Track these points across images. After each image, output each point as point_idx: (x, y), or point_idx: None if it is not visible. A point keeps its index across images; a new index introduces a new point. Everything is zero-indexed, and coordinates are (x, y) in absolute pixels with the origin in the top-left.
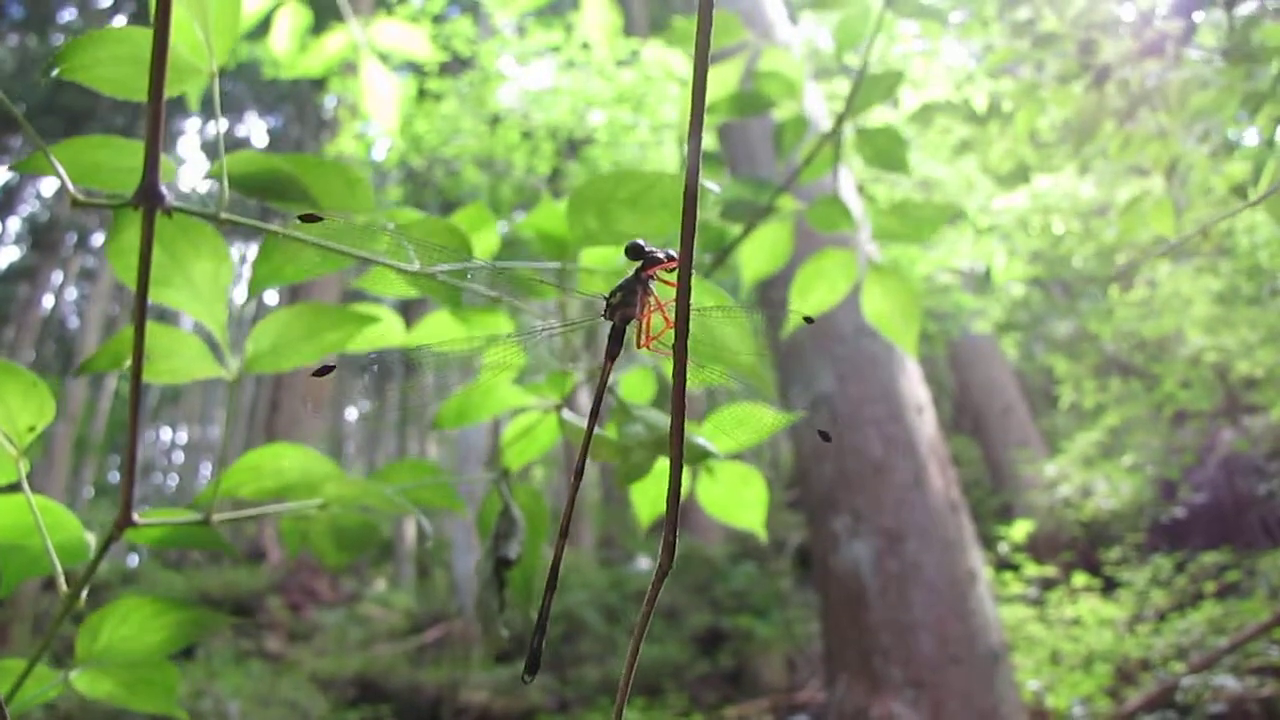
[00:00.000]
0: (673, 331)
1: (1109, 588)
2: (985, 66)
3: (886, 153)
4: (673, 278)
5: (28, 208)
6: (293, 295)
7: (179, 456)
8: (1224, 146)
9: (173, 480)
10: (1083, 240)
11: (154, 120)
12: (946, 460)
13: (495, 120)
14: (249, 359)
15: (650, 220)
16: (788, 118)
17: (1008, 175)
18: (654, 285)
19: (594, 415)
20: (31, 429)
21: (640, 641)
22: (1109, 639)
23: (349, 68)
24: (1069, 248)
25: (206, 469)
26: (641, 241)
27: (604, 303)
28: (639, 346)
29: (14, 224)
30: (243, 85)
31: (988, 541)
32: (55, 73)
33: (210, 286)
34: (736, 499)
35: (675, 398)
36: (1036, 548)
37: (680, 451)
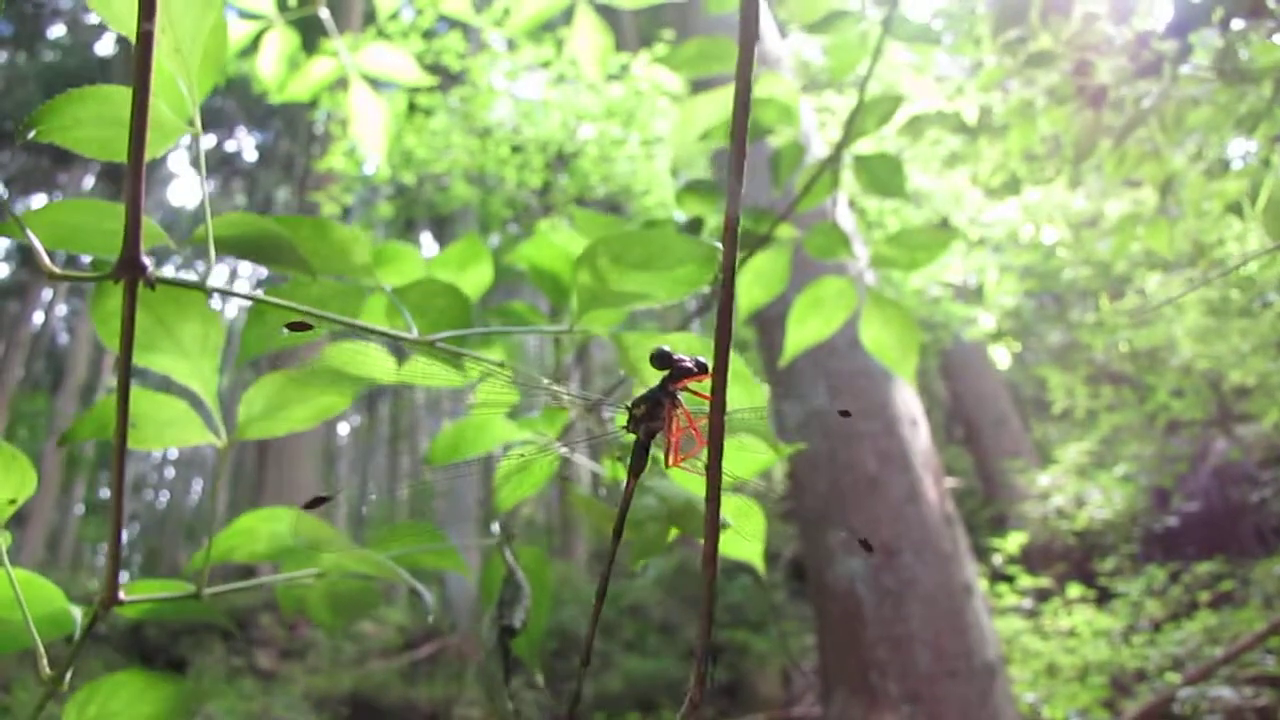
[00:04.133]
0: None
1: (1103, 598)
2: (978, 84)
3: (884, 179)
4: (702, 388)
5: None
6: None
7: (170, 473)
8: (1218, 164)
9: (164, 497)
10: (1074, 251)
11: (134, 189)
12: (940, 473)
13: (486, 134)
14: (241, 425)
15: (660, 283)
16: (784, 144)
17: (998, 188)
18: (682, 397)
19: (617, 536)
20: (12, 502)
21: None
22: (1104, 650)
23: (339, 82)
24: (1060, 260)
25: (198, 486)
26: (668, 349)
27: (627, 413)
28: (667, 466)
29: (4, 241)
30: (232, 101)
31: (981, 553)
32: (31, 135)
33: (199, 350)
34: (734, 532)
35: (708, 531)
36: (1030, 559)
37: (712, 594)
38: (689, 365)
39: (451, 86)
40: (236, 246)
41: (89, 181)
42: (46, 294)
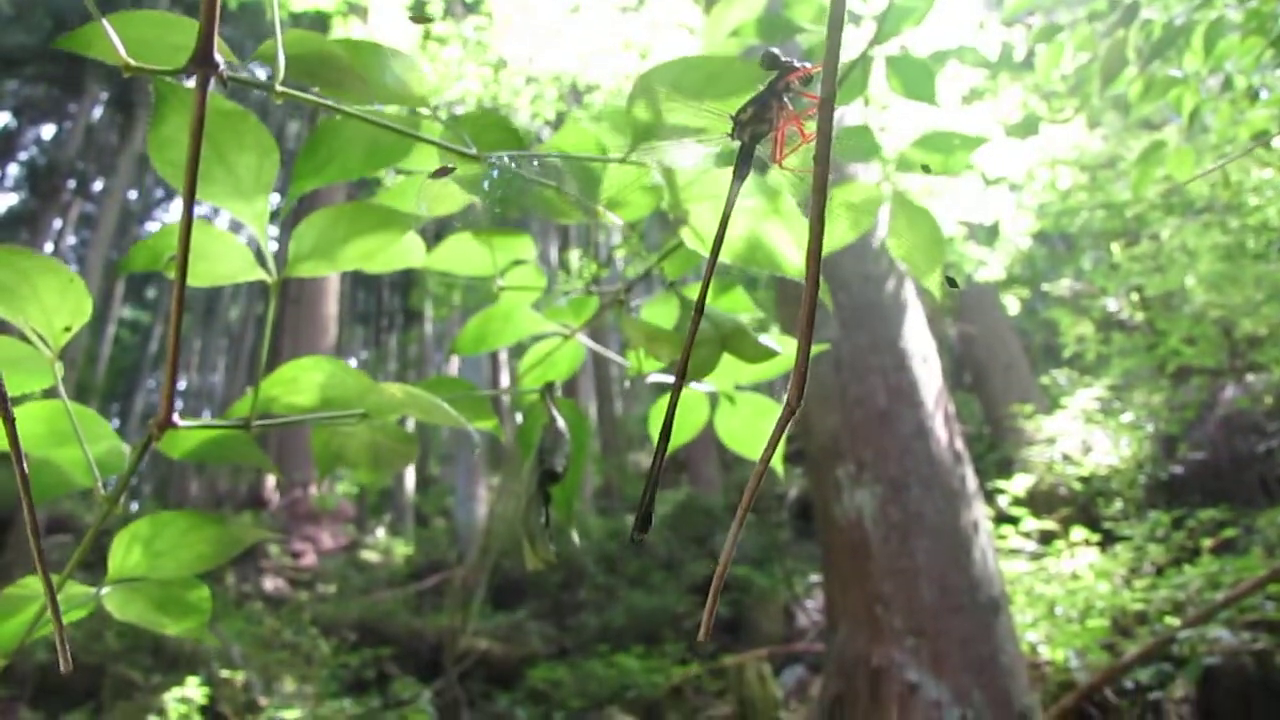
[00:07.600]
0: (807, 149)
1: (1107, 542)
2: (1003, 16)
3: (916, 83)
4: (810, 90)
5: (27, 153)
6: (295, 216)
7: (178, 404)
8: (1246, 93)
9: None
10: (1090, 195)
11: None
12: (950, 411)
13: (501, 65)
14: (291, 261)
15: (716, 115)
16: (816, 43)
17: (1017, 126)
18: (788, 100)
19: (711, 265)
20: (67, 329)
21: (741, 524)
22: (1106, 592)
23: (352, 9)
24: (1075, 203)
25: (207, 415)
26: (776, 51)
27: (731, 120)
28: (773, 161)
29: (13, 170)
30: (242, 31)
31: (987, 495)
32: None
33: (253, 181)
34: (754, 432)
35: (814, 218)
36: (1035, 503)
37: (816, 285)
38: (796, 65)
39: (464, 16)
40: (299, 65)
41: (98, 111)
42: (56, 224)
